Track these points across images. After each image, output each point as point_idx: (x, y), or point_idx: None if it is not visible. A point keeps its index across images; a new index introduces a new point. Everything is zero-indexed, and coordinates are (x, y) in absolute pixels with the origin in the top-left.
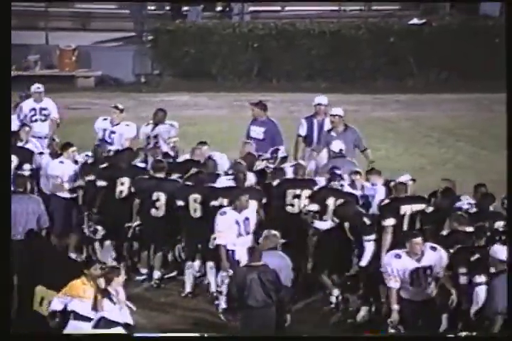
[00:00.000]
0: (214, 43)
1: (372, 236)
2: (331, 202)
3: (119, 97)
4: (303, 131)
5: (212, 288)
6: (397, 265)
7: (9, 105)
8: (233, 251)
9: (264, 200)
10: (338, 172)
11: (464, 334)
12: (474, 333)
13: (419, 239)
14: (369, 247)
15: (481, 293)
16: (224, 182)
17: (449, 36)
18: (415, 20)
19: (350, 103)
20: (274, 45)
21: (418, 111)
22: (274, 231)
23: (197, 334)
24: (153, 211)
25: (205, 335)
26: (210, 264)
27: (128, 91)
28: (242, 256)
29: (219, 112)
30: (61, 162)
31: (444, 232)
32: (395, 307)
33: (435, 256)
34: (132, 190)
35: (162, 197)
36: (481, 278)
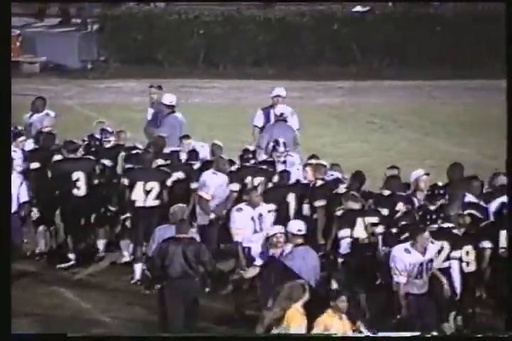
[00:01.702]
0: (160, 29)
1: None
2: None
3: (65, 84)
4: (259, 122)
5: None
6: (409, 259)
7: (9, 105)
8: (249, 248)
9: (169, 182)
10: (281, 140)
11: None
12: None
13: (427, 234)
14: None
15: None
16: (210, 176)
17: (391, 24)
18: (358, 8)
19: (295, 89)
20: (220, 31)
21: (361, 98)
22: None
23: (197, 335)
24: (75, 191)
25: (206, 335)
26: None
27: (74, 78)
28: (258, 253)
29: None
30: (14, 151)
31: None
32: (403, 303)
33: (434, 249)
34: (49, 174)
35: (81, 176)
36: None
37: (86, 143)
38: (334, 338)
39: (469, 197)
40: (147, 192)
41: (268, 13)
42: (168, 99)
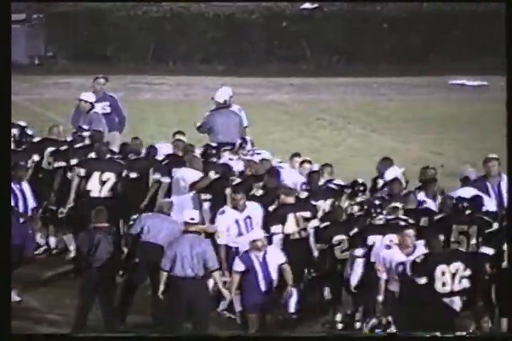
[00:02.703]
0: (108, 26)
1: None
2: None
3: (13, 80)
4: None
5: None
6: (384, 254)
7: (9, 104)
8: (237, 248)
9: (124, 173)
10: (248, 138)
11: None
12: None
13: (410, 231)
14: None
15: (357, 266)
16: (190, 173)
17: (340, 21)
18: (307, 5)
19: (244, 86)
20: (169, 28)
21: (311, 95)
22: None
23: (198, 334)
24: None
25: (205, 335)
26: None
27: (22, 74)
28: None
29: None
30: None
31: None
32: (380, 298)
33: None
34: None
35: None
36: (359, 252)
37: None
38: (334, 338)
39: (421, 195)
40: (103, 183)
41: (216, 10)
42: (87, 97)
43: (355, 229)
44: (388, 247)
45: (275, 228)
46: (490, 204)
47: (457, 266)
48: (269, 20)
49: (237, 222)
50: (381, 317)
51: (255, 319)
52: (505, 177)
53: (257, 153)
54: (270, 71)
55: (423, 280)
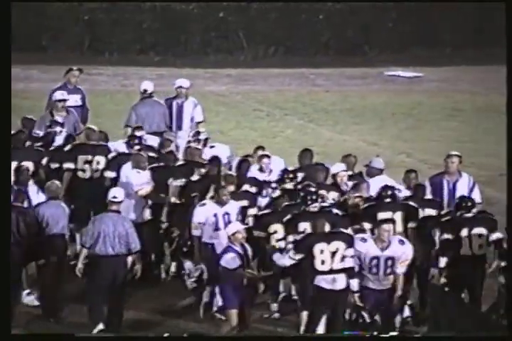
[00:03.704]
0: (44, 16)
1: None
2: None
3: None
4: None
5: None
6: (359, 247)
7: (9, 104)
8: (212, 244)
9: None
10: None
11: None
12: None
13: (387, 226)
14: None
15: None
16: (134, 174)
17: (276, 12)
18: None
19: (182, 77)
20: (105, 18)
21: (248, 86)
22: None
23: (198, 335)
24: None
25: (206, 335)
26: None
27: None
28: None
29: (52, 85)
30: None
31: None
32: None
33: (401, 250)
34: None
35: None
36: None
37: None
38: (334, 338)
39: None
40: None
41: (153, 0)
42: (60, 95)
43: (288, 216)
44: (364, 240)
45: None
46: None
47: (337, 244)
48: (205, 10)
49: (215, 215)
50: (361, 311)
51: (235, 314)
52: (465, 175)
53: (211, 146)
54: (207, 62)
55: (298, 257)
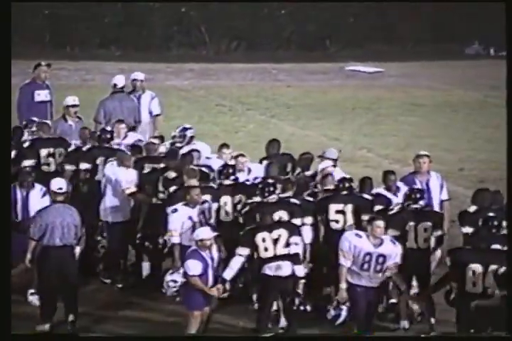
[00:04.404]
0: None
1: None
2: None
3: None
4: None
5: None
6: (355, 242)
7: (9, 105)
8: (190, 247)
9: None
10: (188, 126)
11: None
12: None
13: (380, 222)
14: None
15: None
16: (122, 171)
17: (238, 6)
18: None
19: (144, 71)
20: (67, 12)
21: (210, 80)
22: None
23: (198, 335)
24: None
25: (206, 335)
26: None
27: None
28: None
29: (12, 80)
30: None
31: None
32: (343, 285)
33: (392, 250)
34: None
35: None
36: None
37: None
38: (334, 338)
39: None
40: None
41: None
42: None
43: (247, 208)
44: (359, 236)
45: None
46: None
47: (280, 232)
48: (167, 5)
49: (190, 218)
50: (340, 305)
51: (200, 317)
52: (433, 174)
53: (193, 143)
54: (169, 57)
55: (246, 252)
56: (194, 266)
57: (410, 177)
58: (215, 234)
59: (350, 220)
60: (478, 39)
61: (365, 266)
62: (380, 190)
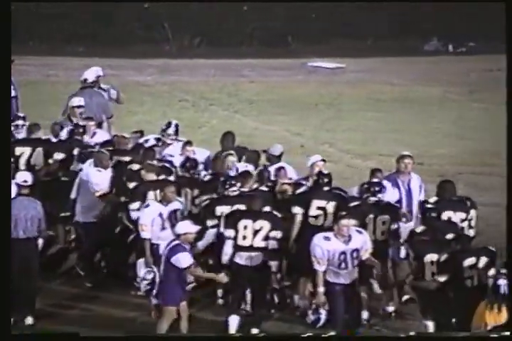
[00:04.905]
0: None
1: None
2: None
3: None
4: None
5: None
6: (327, 246)
7: (9, 103)
8: (158, 245)
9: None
10: (173, 122)
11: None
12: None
13: (346, 221)
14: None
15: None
16: (94, 173)
17: (201, 3)
18: None
19: (107, 67)
20: (30, 8)
21: (174, 76)
22: None
23: (197, 335)
24: None
25: (206, 335)
26: None
27: None
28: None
29: None
30: None
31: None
32: (321, 289)
33: (361, 239)
34: None
35: None
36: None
37: None
38: (334, 338)
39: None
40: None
41: None
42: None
43: (207, 201)
44: (328, 239)
45: (134, 205)
46: (394, 196)
47: (262, 223)
48: (130, 1)
49: (161, 215)
50: (319, 309)
51: (175, 312)
52: (413, 175)
53: (178, 140)
54: (133, 52)
55: (230, 233)
56: (186, 258)
57: (393, 176)
58: (199, 227)
59: (329, 218)
60: (437, 35)
61: (343, 264)
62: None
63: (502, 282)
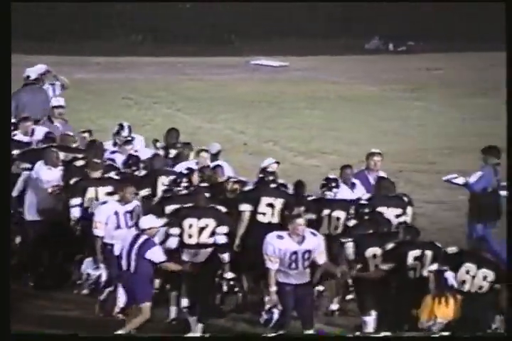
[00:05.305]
0: None
1: None
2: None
3: None
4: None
5: None
6: (279, 245)
7: (9, 105)
8: (112, 245)
9: None
10: (125, 124)
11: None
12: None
13: (301, 220)
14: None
15: None
16: (44, 171)
17: (145, 1)
18: None
19: (50, 64)
20: None
21: (117, 74)
22: None
23: (197, 335)
24: None
25: (206, 335)
26: None
27: None
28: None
29: None
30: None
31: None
32: (273, 289)
33: (315, 242)
34: None
35: None
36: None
37: None
38: (334, 338)
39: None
40: None
41: None
42: None
43: (156, 200)
44: (281, 237)
45: (74, 200)
46: (363, 193)
47: (207, 221)
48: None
49: (116, 213)
50: (272, 308)
51: (148, 307)
52: (382, 173)
53: (132, 138)
54: (76, 49)
55: (174, 231)
56: (160, 253)
57: (362, 173)
58: (163, 221)
59: (276, 215)
60: (379, 34)
61: (293, 264)
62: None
63: (449, 274)
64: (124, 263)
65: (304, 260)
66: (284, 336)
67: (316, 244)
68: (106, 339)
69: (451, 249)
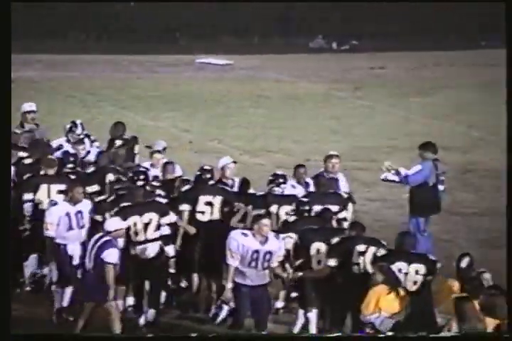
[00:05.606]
0: None
1: None
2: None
3: None
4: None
5: None
6: (243, 241)
7: (9, 105)
8: (65, 245)
9: None
10: (78, 122)
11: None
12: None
13: (266, 221)
14: None
15: None
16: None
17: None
18: None
19: None
20: None
21: (61, 72)
22: None
23: (196, 334)
24: None
25: (205, 336)
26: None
27: None
28: (75, 250)
29: None
30: None
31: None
32: (229, 285)
33: (276, 244)
34: None
35: None
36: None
37: None
38: (334, 338)
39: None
40: None
41: None
42: None
43: (112, 197)
44: (245, 235)
45: (27, 196)
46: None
47: (150, 216)
48: None
49: (68, 214)
50: (223, 304)
51: (92, 305)
52: (340, 174)
53: (88, 135)
54: (18, 47)
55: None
56: (114, 255)
57: (321, 175)
58: (128, 223)
59: (216, 212)
60: (322, 33)
61: (253, 263)
62: (293, 182)
63: (396, 267)
64: (86, 262)
65: (264, 260)
66: (285, 336)
67: (277, 247)
68: (106, 339)
69: (380, 252)
